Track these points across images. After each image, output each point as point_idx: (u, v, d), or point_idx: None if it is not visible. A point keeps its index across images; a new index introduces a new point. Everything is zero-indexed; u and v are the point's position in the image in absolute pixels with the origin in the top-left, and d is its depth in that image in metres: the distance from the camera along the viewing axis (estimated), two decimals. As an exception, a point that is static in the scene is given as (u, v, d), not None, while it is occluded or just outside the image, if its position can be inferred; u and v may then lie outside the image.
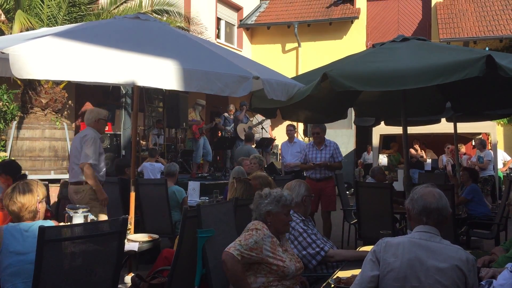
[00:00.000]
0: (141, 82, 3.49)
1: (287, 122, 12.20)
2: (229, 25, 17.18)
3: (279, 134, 14.11)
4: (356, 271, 2.76)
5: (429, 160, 14.06)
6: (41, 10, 8.29)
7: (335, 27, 16.48)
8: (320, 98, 5.58)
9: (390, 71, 4.13)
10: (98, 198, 5.09)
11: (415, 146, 13.88)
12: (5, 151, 8.47)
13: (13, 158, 7.89)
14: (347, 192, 9.28)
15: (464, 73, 3.76)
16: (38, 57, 3.14)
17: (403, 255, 2.33)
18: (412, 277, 2.29)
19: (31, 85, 8.66)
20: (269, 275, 2.95)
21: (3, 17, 8.52)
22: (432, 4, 15.89)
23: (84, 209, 3.88)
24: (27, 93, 8.68)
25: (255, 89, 4.62)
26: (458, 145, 9.60)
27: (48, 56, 3.20)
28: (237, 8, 17.37)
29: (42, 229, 2.39)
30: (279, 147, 11.24)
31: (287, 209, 3.14)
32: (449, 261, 2.26)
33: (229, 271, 2.85)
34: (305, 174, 7.42)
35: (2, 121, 8.78)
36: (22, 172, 5.60)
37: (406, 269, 2.30)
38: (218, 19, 16.34)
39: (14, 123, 8.51)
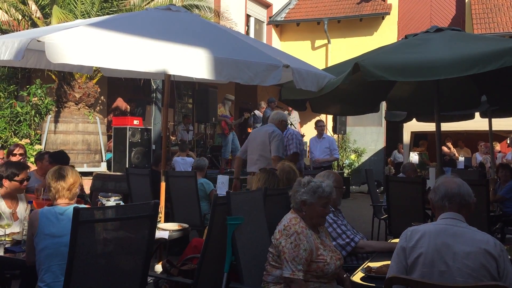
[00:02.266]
0: (172, 71, 3.51)
1: (316, 118, 12.15)
2: (258, 22, 17.18)
3: (308, 130, 14.05)
4: (387, 262, 2.73)
5: (461, 158, 13.74)
6: (75, 6, 8.49)
7: (366, 23, 16.25)
8: (351, 90, 5.52)
9: (423, 61, 4.04)
10: None
11: (447, 144, 13.58)
12: (40, 144, 8.71)
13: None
14: (377, 190, 9.18)
15: (501, 62, 3.64)
16: (72, 43, 3.21)
17: (430, 241, 2.32)
18: (440, 262, 2.28)
19: (66, 79, 8.87)
20: (308, 273, 2.89)
21: (39, 14, 8.74)
22: (466, -1, 15.53)
23: (116, 197, 3.96)
24: (62, 87, 8.90)
25: (284, 81, 4.59)
26: (493, 143, 9.34)
27: (82, 42, 3.27)
28: (266, 5, 17.35)
29: (76, 209, 2.44)
30: (308, 143, 11.17)
31: (324, 201, 2.99)
32: (477, 244, 2.25)
33: None
34: None
35: (37, 115, 9.03)
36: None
37: (433, 254, 2.29)
38: (248, 16, 16.36)
39: (49, 117, 8.74)
